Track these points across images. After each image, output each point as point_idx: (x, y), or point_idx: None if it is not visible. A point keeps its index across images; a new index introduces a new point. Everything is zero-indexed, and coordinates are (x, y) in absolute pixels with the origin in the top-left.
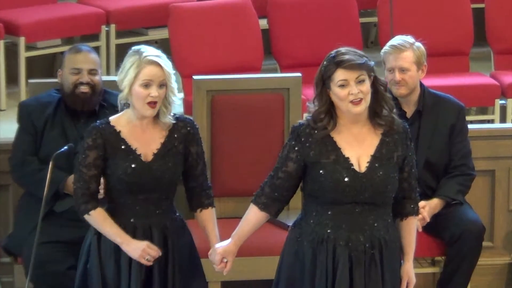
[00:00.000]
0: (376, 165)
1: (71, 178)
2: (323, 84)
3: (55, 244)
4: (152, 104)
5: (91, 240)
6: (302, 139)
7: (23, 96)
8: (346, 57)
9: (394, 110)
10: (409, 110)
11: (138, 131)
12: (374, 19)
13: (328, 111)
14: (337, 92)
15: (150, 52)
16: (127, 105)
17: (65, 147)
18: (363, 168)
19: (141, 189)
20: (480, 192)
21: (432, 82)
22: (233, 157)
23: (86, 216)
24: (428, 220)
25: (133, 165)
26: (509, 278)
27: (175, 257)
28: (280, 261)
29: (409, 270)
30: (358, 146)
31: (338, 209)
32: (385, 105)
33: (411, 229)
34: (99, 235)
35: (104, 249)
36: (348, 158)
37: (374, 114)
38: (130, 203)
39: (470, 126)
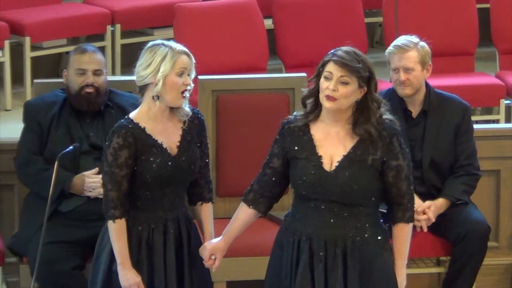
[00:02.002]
0: (346, 165)
1: (76, 178)
2: (319, 70)
3: (61, 244)
4: (184, 93)
5: None
6: (285, 134)
7: (29, 96)
8: (341, 53)
9: (386, 116)
10: (415, 110)
11: (159, 124)
12: (379, 19)
13: (316, 97)
14: (321, 82)
15: (177, 44)
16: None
17: (71, 147)
18: (333, 167)
19: (171, 182)
20: (485, 192)
21: (437, 82)
22: (238, 157)
23: (110, 222)
24: (433, 220)
25: (163, 160)
26: None
27: (196, 250)
28: (271, 252)
29: (397, 278)
30: (334, 145)
31: (307, 205)
32: (370, 120)
33: (400, 236)
34: (128, 234)
35: (134, 248)
36: (320, 156)
37: (356, 123)
38: (159, 197)
39: (475, 126)
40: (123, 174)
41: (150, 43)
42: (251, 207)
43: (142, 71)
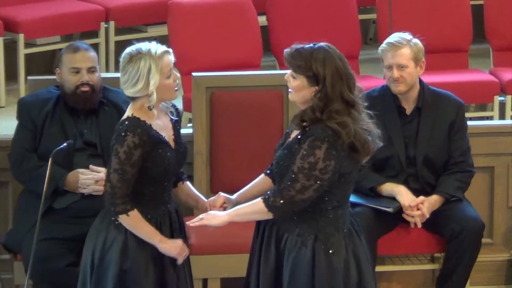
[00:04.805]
0: (282, 148)
1: (70, 175)
2: None
3: (55, 241)
4: (176, 87)
5: (127, 241)
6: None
7: (22, 93)
8: (288, 50)
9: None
10: (409, 107)
11: (157, 120)
12: (373, 16)
13: None
14: None
15: (153, 46)
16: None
17: (65, 144)
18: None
19: (171, 175)
20: (479, 188)
21: (431, 79)
22: (232, 153)
23: (123, 217)
24: (427, 216)
25: (171, 155)
26: (508, 274)
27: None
28: None
29: (215, 215)
30: (294, 133)
31: None
32: (302, 116)
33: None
34: (135, 234)
35: (144, 247)
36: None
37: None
38: (161, 191)
39: (469, 122)
40: (134, 172)
41: (127, 53)
42: (266, 175)
43: (131, 88)
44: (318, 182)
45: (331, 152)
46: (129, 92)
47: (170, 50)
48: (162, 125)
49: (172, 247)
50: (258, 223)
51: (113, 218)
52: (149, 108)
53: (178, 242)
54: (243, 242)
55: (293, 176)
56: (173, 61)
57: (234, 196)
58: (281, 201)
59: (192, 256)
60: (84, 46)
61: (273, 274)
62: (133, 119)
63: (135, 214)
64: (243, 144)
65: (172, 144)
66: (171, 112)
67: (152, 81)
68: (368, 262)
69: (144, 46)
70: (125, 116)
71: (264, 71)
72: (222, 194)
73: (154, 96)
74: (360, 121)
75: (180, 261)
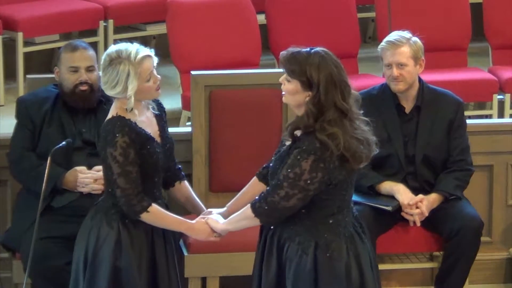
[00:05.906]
0: (276, 157)
1: (69, 174)
2: None
3: (53, 239)
4: (158, 86)
5: (119, 238)
6: None
7: (21, 92)
8: (284, 53)
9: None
10: (408, 106)
11: (141, 117)
12: (372, 15)
13: None
14: None
15: (134, 50)
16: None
17: (63, 143)
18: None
19: (160, 171)
20: (478, 187)
21: (430, 77)
22: (231, 152)
23: (144, 215)
24: (426, 214)
25: (158, 150)
26: (507, 272)
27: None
28: None
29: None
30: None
31: None
32: (297, 124)
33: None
34: (128, 231)
35: (137, 244)
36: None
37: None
38: (151, 188)
39: (468, 121)
40: (136, 169)
41: (107, 55)
42: (260, 180)
43: (110, 90)
44: (303, 192)
45: (318, 165)
46: (108, 92)
47: (152, 53)
48: (146, 122)
49: (198, 232)
50: (260, 232)
51: (110, 215)
52: (127, 110)
53: (204, 226)
54: (242, 240)
55: (278, 183)
56: (155, 63)
57: (225, 208)
58: (266, 207)
59: (191, 254)
60: (83, 45)
61: (274, 283)
62: (118, 119)
63: (154, 209)
64: (242, 143)
65: (158, 139)
66: (152, 107)
67: (130, 86)
68: (371, 265)
69: (124, 49)
70: (109, 116)
71: (263, 70)
72: (212, 211)
73: (132, 100)
74: (354, 130)
75: (214, 239)
